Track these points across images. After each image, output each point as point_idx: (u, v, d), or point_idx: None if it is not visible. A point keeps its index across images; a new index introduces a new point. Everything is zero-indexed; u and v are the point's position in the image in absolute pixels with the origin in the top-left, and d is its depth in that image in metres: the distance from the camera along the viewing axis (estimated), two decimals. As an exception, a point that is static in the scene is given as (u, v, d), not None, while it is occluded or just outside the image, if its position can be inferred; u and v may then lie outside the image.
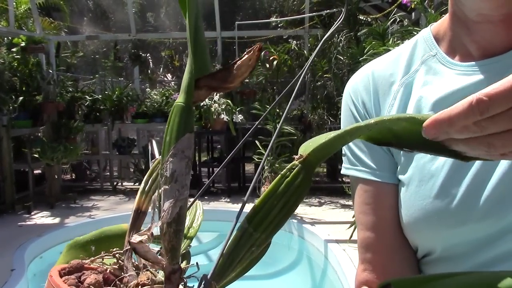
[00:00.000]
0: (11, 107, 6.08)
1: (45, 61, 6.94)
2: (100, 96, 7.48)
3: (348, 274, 3.43)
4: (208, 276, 0.44)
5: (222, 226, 3.62)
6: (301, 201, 0.46)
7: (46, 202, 6.13)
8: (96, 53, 15.61)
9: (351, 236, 4.29)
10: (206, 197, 6.57)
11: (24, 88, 6.51)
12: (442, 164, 0.69)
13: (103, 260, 0.51)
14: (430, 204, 0.70)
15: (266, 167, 5.64)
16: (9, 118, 5.99)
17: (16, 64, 6.43)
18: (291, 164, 0.45)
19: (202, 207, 0.61)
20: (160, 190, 0.43)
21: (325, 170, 8.25)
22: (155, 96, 7.82)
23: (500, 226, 0.66)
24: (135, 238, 0.43)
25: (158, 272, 0.50)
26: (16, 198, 5.99)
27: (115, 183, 7.46)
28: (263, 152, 5.76)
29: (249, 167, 7.62)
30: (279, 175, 0.45)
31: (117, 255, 0.50)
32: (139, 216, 0.53)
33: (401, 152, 0.74)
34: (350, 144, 0.80)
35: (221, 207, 5.77)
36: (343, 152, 0.82)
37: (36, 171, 7.04)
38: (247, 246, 0.45)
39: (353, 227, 4.30)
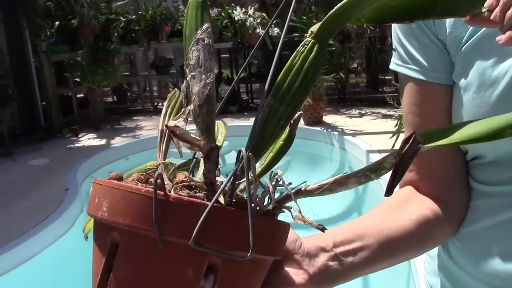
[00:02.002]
0: (48, 33, 6.12)
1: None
2: (134, 16, 7.42)
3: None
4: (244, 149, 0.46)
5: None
6: (318, 75, 0.49)
7: (91, 124, 6.32)
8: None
9: (393, 146, 4.26)
10: (245, 113, 6.61)
11: (59, 13, 6.51)
12: (505, 70, 0.64)
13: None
14: (487, 113, 0.65)
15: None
16: (47, 43, 6.06)
17: (49, -11, 6.40)
18: (304, 41, 0.48)
19: (224, 125, 0.63)
20: (188, 77, 0.46)
21: (365, 80, 8.09)
22: (189, 14, 7.68)
23: None
24: (171, 122, 0.45)
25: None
26: (62, 122, 6.19)
27: (155, 103, 7.57)
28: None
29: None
30: (295, 52, 0.48)
31: (150, 173, 0.51)
32: (164, 136, 0.54)
33: (460, 52, 0.68)
34: (402, 39, 0.74)
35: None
36: (393, 47, 0.77)
37: (79, 95, 7.20)
38: (275, 120, 0.49)
39: (395, 136, 4.27)
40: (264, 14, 6.48)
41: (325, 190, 0.48)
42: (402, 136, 4.61)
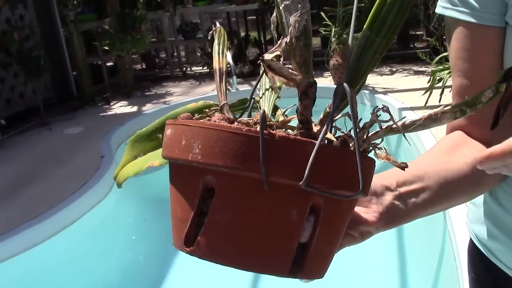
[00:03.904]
0: (75, 2, 6.15)
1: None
2: (158, -19, 7.37)
3: (424, 138, 3.41)
4: (343, 83, 0.44)
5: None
6: (411, 5, 0.47)
7: (122, 92, 6.38)
8: None
9: (426, 102, 4.19)
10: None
11: (84, -19, 6.52)
12: None
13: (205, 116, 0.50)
14: None
15: (333, 39, 5.48)
16: (75, 13, 6.09)
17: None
18: None
19: None
20: (281, 7, 0.42)
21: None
22: (213, -24, 7.59)
23: None
24: (268, 56, 0.42)
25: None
26: (94, 90, 6.27)
27: (184, 68, 7.58)
28: (330, 23, 5.56)
29: (315, 41, 7.43)
30: None
31: (215, 113, 0.49)
32: (222, 74, 0.53)
33: None
34: None
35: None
36: None
37: (108, 64, 7.26)
38: (371, 52, 0.47)
39: (428, 93, 4.18)
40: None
41: (418, 126, 0.47)
42: (435, 93, 4.52)
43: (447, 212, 2.47)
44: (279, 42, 0.42)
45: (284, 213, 0.41)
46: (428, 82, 4.30)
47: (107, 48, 6.27)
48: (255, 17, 7.85)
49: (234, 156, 0.40)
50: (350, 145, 0.45)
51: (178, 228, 0.45)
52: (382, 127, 0.47)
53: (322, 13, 5.66)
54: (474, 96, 0.45)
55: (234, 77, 5.52)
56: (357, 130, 0.44)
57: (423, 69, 5.91)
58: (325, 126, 0.42)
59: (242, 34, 7.57)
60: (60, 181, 3.59)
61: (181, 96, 6.03)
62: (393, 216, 0.63)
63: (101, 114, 5.60)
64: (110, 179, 3.60)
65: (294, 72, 0.43)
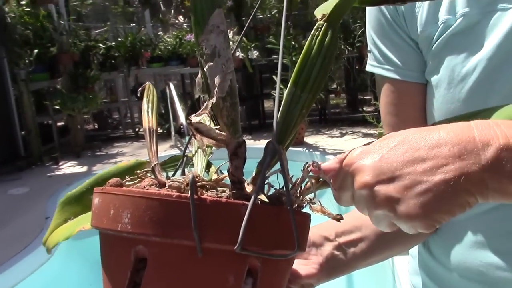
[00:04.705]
0: (27, 61, 6.09)
1: (55, 11, 6.86)
2: (113, 43, 7.43)
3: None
4: (272, 140, 0.44)
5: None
6: (333, 58, 0.48)
7: (72, 152, 6.26)
8: (105, 0, 15.37)
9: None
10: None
11: (37, 41, 6.49)
12: (474, 66, 0.66)
13: (135, 181, 0.48)
14: (458, 108, 0.67)
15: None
16: (26, 72, 6.01)
17: (27, 18, 6.37)
18: (316, 24, 0.46)
19: None
20: (205, 68, 0.42)
21: (345, 100, 8.18)
22: (168, 39, 7.73)
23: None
24: (195, 119, 0.42)
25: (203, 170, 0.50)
26: (42, 150, 6.12)
27: (137, 129, 7.54)
28: (282, 87, 5.70)
29: (268, 104, 7.59)
30: (309, 37, 0.46)
31: (147, 174, 0.48)
32: (152, 134, 0.52)
33: (431, 50, 0.70)
34: (377, 41, 0.76)
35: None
36: (368, 49, 0.79)
37: (59, 123, 7.13)
38: (298, 108, 0.46)
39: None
40: (243, 38, 6.53)
41: None
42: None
43: (394, 265, 2.50)
44: (205, 104, 0.42)
45: (220, 279, 0.40)
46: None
47: (58, 107, 6.18)
48: (209, 80, 7.97)
49: (165, 224, 0.39)
50: (284, 201, 0.45)
51: None
52: (313, 182, 0.47)
53: (274, 76, 5.83)
54: None
55: (187, 137, 5.52)
56: (289, 187, 0.44)
57: (371, 131, 6.10)
58: (257, 187, 0.42)
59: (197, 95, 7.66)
60: (1, 243, 3.42)
61: (132, 156, 5.95)
62: (333, 267, 0.63)
63: (48, 174, 5.44)
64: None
65: (222, 133, 0.42)
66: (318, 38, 0.46)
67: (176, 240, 0.39)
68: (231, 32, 6.95)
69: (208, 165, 0.54)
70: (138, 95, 0.57)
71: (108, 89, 8.76)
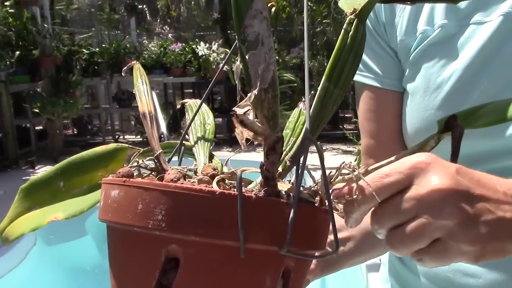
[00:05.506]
0: (8, 63, 6.02)
1: (39, 14, 6.81)
2: (97, 49, 7.40)
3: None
4: (306, 135, 0.43)
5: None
6: (362, 55, 0.48)
7: (49, 156, 6.18)
8: (91, 6, 15.32)
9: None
10: (208, 148, 6.59)
11: (20, 43, 6.43)
12: (448, 76, 0.68)
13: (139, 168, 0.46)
14: (432, 116, 0.69)
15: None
16: (7, 73, 5.94)
17: (10, 19, 6.32)
18: (348, 19, 0.46)
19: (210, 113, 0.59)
20: (247, 57, 0.39)
21: (326, 117, 8.24)
22: (153, 48, 7.73)
23: (502, 144, 0.65)
24: (240, 110, 0.39)
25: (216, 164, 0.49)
26: (19, 153, 6.03)
27: (117, 136, 7.49)
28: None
29: (250, 117, 7.60)
30: (342, 31, 0.46)
31: (152, 161, 0.46)
32: (152, 118, 0.50)
33: (409, 59, 0.73)
34: None
35: (222, 156, 5.80)
36: None
37: (37, 127, 7.05)
38: (330, 104, 0.46)
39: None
40: (228, 50, 6.57)
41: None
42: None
43: (367, 275, 2.53)
44: (248, 95, 0.40)
45: (258, 280, 0.38)
46: (355, 161, 4.48)
47: (37, 111, 6.12)
48: (191, 90, 7.99)
49: (206, 223, 0.36)
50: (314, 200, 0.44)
51: None
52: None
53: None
54: (419, 147, 0.47)
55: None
56: (328, 185, 0.43)
57: (351, 149, 6.17)
58: (297, 185, 0.41)
59: (179, 106, 7.65)
60: (-30, 248, 3.35)
61: (112, 163, 5.90)
62: (326, 263, 0.67)
63: (24, 178, 5.35)
64: (26, 246, 3.40)
65: (262, 126, 0.40)
66: (351, 33, 0.45)
67: (218, 240, 0.36)
68: (216, 44, 6.98)
69: (211, 157, 0.52)
70: (124, 74, 0.54)
71: (89, 95, 8.70)
